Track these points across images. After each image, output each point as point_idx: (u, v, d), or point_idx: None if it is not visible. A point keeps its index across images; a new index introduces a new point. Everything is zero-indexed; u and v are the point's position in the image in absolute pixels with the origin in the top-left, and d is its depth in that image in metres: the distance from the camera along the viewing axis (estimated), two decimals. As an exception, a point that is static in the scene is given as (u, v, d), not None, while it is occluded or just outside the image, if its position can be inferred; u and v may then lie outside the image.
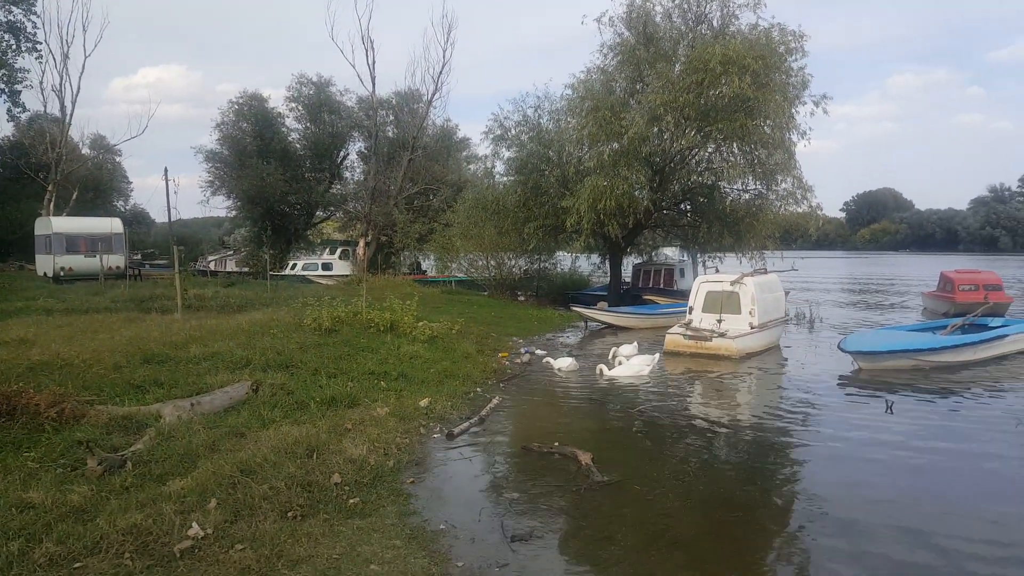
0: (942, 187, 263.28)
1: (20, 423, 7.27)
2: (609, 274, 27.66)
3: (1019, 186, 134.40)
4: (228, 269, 42.18)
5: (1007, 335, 15.89)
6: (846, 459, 8.71)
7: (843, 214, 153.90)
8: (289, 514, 6.14)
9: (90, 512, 5.74)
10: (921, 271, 48.63)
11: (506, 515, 6.62)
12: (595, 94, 21.98)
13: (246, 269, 39.49)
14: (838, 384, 13.44)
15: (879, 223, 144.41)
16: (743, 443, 9.49)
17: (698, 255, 28.26)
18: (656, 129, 21.55)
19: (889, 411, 11.01)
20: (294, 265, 38.52)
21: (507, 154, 27.01)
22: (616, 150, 21.62)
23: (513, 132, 26.62)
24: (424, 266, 41.32)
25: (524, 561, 5.70)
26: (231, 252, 45.42)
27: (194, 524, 5.63)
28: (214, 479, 6.48)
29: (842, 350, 14.65)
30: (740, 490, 7.58)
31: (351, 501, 6.58)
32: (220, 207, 41.60)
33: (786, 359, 16.49)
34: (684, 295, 21.90)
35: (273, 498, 6.30)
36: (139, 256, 40.92)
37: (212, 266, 43.89)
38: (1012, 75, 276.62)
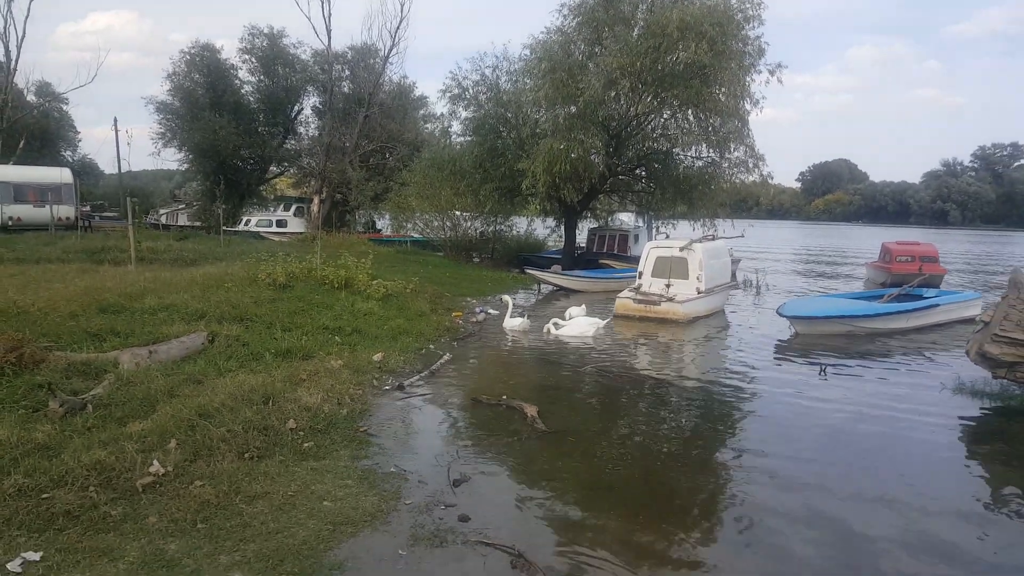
0: (896, 160, 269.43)
1: (-21, 367, 7.41)
2: (564, 238, 28.02)
3: (971, 161, 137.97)
4: (180, 223, 41.52)
5: (939, 304, 16.60)
6: (778, 419, 9.16)
7: (798, 184, 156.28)
8: (246, 455, 6.46)
9: (54, 449, 5.98)
10: (871, 243, 49.80)
11: (454, 460, 6.98)
12: (553, 55, 21.90)
13: (198, 223, 38.93)
14: (775, 348, 14.00)
15: (833, 194, 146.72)
16: (683, 401, 9.96)
17: (652, 221, 28.72)
18: (612, 93, 21.78)
19: (823, 375, 11.53)
20: (247, 221, 38.09)
21: (464, 114, 27.13)
22: (572, 113, 21.82)
23: (471, 92, 26.64)
24: (379, 225, 41.17)
25: (469, 501, 6.09)
26: (183, 206, 44.62)
27: (155, 462, 5.91)
28: (173, 422, 6.74)
29: (780, 315, 15.24)
30: (677, 444, 8.03)
31: (305, 445, 6.92)
32: (171, 160, 40.66)
33: (730, 323, 17.17)
34: (638, 260, 22.41)
35: (231, 440, 6.60)
36: (88, 208, 39.96)
37: (164, 220, 43.12)
38: (968, 49, 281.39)
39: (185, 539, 4.99)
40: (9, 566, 4.42)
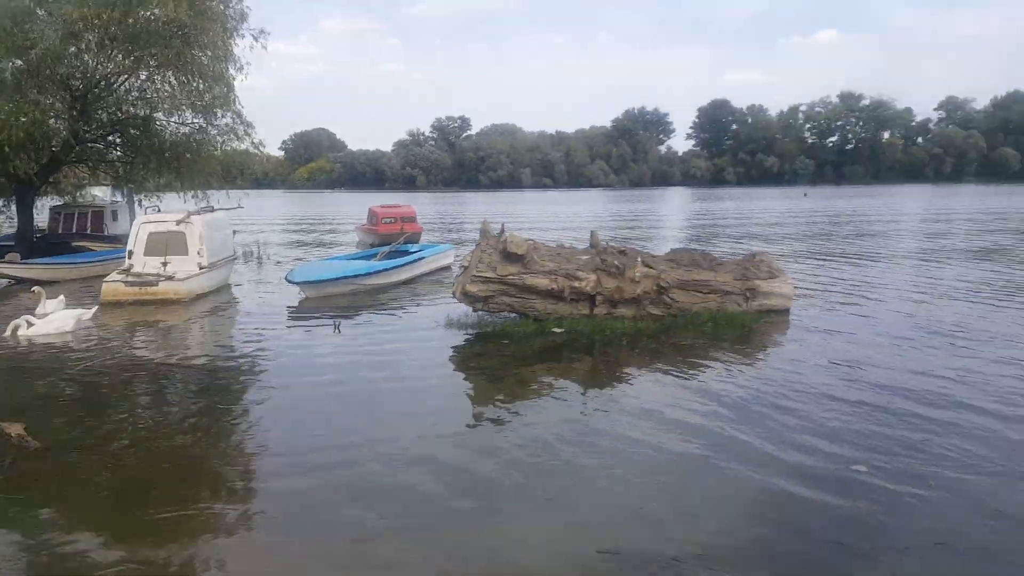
0: (371, 130, 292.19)
1: None
2: (17, 220, 23.16)
3: (431, 132, 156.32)
4: None
5: (424, 257, 19.15)
6: (301, 380, 9.39)
7: (282, 153, 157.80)
8: None
9: None
10: (355, 208, 52.60)
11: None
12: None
13: None
14: (288, 314, 14.02)
15: (316, 162, 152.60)
16: (199, 385, 9.36)
17: (134, 195, 25.86)
18: (74, 48, 18.81)
19: (337, 331, 12.14)
20: None
21: None
22: (22, 68, 18.32)
23: None
24: None
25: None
26: None
27: None
28: None
29: (289, 282, 15.35)
30: (192, 431, 7.56)
31: None
32: None
33: (237, 297, 16.68)
34: (119, 240, 20.09)
35: None
36: None
37: None
38: (423, 29, 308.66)
39: None
40: None
